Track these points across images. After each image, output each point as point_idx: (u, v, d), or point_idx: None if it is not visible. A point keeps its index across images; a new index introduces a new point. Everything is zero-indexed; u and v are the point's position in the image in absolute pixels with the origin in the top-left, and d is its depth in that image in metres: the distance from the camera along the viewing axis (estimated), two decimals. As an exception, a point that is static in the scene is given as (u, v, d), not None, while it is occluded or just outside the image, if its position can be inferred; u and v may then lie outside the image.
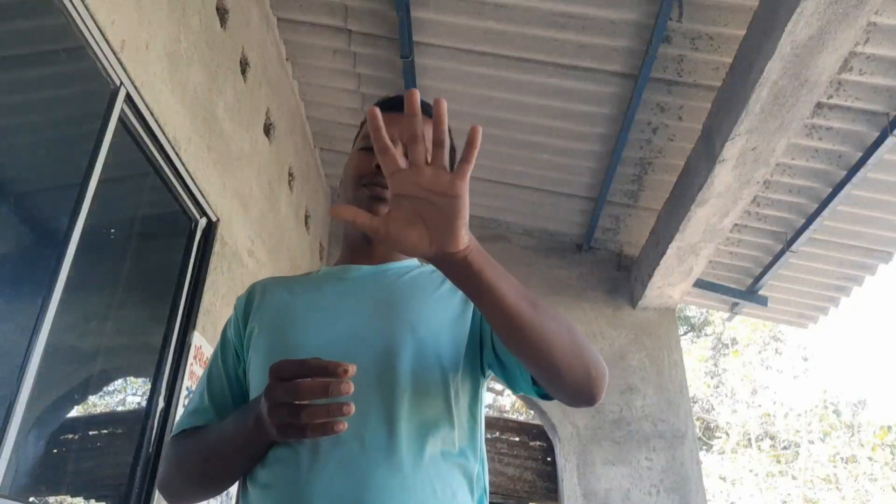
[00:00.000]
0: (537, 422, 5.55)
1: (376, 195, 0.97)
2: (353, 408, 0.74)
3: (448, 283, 0.98)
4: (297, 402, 0.75)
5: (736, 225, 4.37)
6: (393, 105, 1.00)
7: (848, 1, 2.59)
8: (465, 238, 0.72)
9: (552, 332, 0.79)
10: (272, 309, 0.98)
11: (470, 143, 0.69)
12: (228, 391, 0.99)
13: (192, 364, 2.84)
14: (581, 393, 0.83)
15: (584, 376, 0.82)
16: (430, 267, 1.02)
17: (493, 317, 0.77)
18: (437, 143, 0.70)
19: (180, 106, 2.74)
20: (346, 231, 1.06)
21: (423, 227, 0.71)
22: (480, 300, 0.77)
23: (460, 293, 0.96)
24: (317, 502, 0.78)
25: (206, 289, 2.98)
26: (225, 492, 0.98)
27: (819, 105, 3.50)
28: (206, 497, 0.94)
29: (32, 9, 2.17)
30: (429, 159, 0.71)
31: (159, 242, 3.20)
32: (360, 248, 1.03)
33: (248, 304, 1.02)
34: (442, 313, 0.95)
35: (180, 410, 2.72)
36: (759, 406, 13.22)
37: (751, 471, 12.44)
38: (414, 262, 1.06)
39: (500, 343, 0.91)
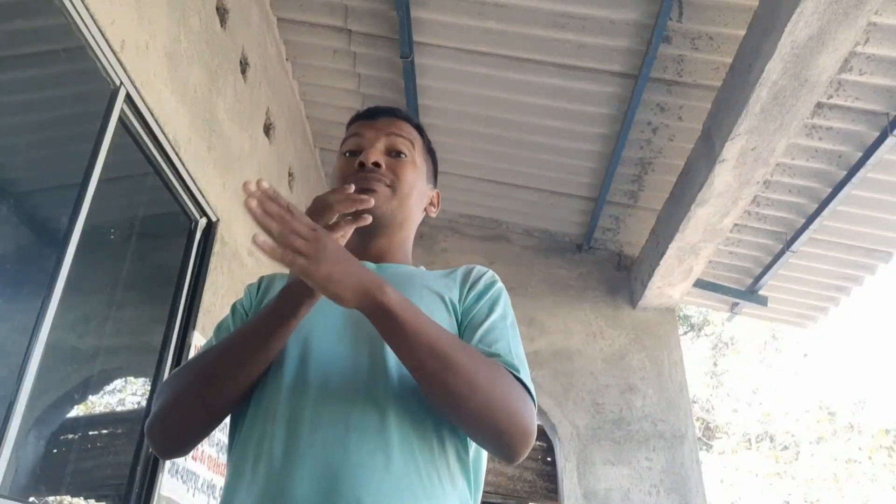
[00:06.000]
0: (537, 422, 5.55)
1: (364, 187, 1.03)
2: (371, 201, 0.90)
3: (437, 285, 1.02)
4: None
5: (736, 225, 4.37)
6: (365, 114, 1.15)
7: (848, 1, 2.59)
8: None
9: (470, 370, 0.82)
10: None
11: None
12: None
13: (192, 364, 2.84)
14: (496, 442, 0.85)
15: (499, 425, 0.83)
16: (424, 269, 1.09)
17: (418, 348, 0.82)
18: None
19: (180, 106, 2.74)
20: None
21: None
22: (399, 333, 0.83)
23: (445, 297, 1.00)
24: (298, 480, 0.80)
25: (205, 289, 2.98)
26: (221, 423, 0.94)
27: (819, 105, 3.50)
28: (205, 415, 0.91)
29: (32, 9, 2.17)
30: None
31: (159, 242, 3.19)
32: (356, 246, 1.05)
33: (261, 291, 1.09)
34: (434, 307, 0.98)
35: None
36: (761, 404, 13.21)
37: (751, 470, 12.43)
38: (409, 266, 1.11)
39: None
